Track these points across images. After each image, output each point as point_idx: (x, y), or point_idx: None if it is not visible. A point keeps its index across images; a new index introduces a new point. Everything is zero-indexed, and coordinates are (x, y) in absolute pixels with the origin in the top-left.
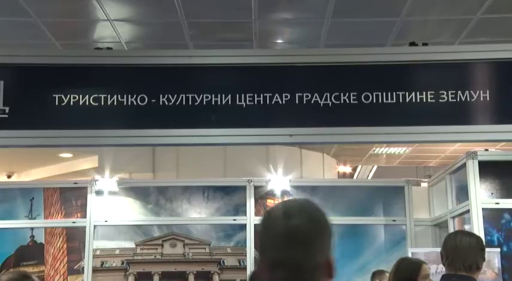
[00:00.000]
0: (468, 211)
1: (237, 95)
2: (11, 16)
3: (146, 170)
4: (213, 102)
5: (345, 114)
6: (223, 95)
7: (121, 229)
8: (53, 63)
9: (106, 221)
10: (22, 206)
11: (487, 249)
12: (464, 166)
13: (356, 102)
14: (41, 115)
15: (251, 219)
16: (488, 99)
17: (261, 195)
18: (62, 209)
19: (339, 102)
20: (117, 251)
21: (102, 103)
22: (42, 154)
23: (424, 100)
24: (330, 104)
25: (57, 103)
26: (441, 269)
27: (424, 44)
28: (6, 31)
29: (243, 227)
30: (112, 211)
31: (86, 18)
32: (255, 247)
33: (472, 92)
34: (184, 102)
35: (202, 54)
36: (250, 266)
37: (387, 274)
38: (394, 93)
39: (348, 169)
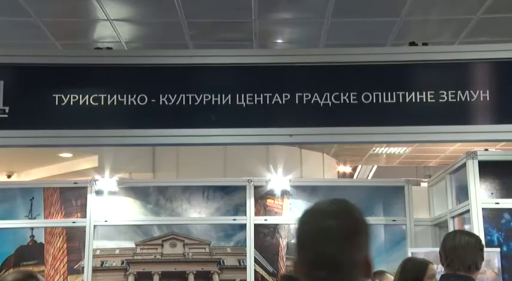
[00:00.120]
0: (468, 211)
1: (237, 95)
2: (11, 16)
3: (146, 170)
4: (213, 102)
5: (345, 114)
6: (223, 95)
7: (121, 229)
8: (52, 63)
9: (106, 221)
10: (22, 206)
11: (487, 249)
12: (464, 165)
13: (356, 102)
14: (41, 115)
15: (251, 219)
16: (488, 99)
17: (261, 195)
18: (61, 209)
19: (338, 102)
20: (117, 251)
21: (102, 103)
22: (42, 153)
23: (424, 100)
24: (330, 104)
25: (57, 103)
26: (441, 269)
27: (424, 44)
28: (6, 31)
29: (243, 227)
30: (112, 211)
31: (86, 18)
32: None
33: (472, 92)
34: (184, 102)
35: (202, 54)
36: (250, 266)
37: (387, 275)
38: (394, 93)
39: (348, 169)
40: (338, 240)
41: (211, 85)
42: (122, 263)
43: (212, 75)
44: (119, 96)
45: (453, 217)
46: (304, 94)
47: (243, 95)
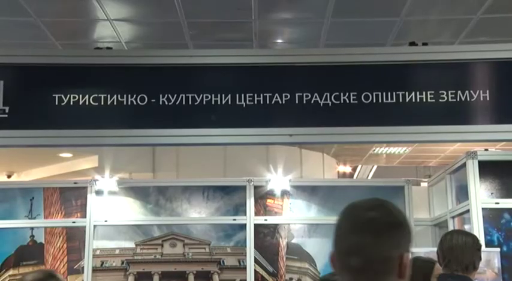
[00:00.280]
0: (468, 211)
1: (237, 95)
2: (10, 16)
3: (146, 170)
4: (213, 102)
5: (345, 114)
6: (223, 95)
7: (121, 229)
8: (52, 63)
9: (106, 221)
10: (22, 206)
11: (487, 249)
12: (464, 165)
13: (356, 102)
14: (41, 115)
15: (251, 219)
16: (488, 99)
17: (261, 195)
18: (61, 209)
19: (338, 102)
20: (117, 251)
21: (102, 103)
22: (42, 153)
23: (424, 100)
24: (330, 104)
25: (57, 103)
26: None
27: (424, 44)
28: (6, 31)
29: (242, 227)
30: (112, 211)
31: (86, 18)
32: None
33: (472, 91)
34: (184, 102)
35: (202, 54)
36: (250, 266)
37: None
38: (394, 93)
39: (347, 169)
40: (371, 232)
41: (211, 85)
42: (122, 263)
43: (212, 75)
44: (118, 96)
45: (453, 217)
46: (304, 94)
47: (243, 95)
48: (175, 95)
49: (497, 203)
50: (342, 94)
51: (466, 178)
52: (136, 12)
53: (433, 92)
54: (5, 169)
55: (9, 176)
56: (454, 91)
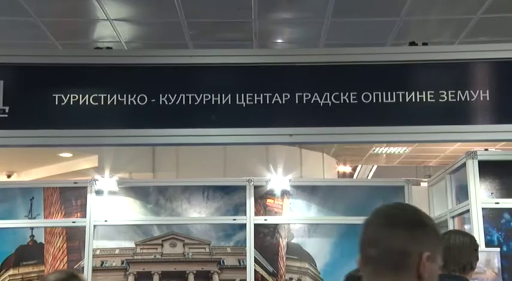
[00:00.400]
0: (468, 211)
1: (237, 95)
2: (10, 16)
3: (146, 170)
4: (212, 102)
5: (345, 114)
6: (223, 95)
7: (121, 229)
8: (52, 63)
9: (106, 220)
10: (22, 206)
11: (486, 249)
12: (464, 165)
13: (356, 102)
14: (41, 115)
15: (251, 219)
16: (488, 99)
17: (261, 195)
18: (61, 208)
19: (338, 102)
20: (117, 251)
21: (102, 103)
22: (42, 153)
23: (424, 100)
24: (330, 104)
25: (57, 103)
26: None
27: (424, 44)
28: (6, 31)
29: (242, 226)
30: (112, 211)
31: (86, 17)
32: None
33: (471, 91)
34: (184, 102)
35: (202, 54)
36: (250, 266)
37: None
38: (394, 93)
39: (347, 169)
40: (390, 225)
41: (211, 85)
42: (122, 263)
43: (212, 75)
44: (118, 96)
45: (453, 217)
46: (304, 94)
47: (243, 95)
48: (175, 95)
49: (497, 203)
50: (341, 94)
51: (466, 178)
52: (136, 12)
53: (433, 92)
54: (5, 169)
55: (9, 176)
56: (454, 91)
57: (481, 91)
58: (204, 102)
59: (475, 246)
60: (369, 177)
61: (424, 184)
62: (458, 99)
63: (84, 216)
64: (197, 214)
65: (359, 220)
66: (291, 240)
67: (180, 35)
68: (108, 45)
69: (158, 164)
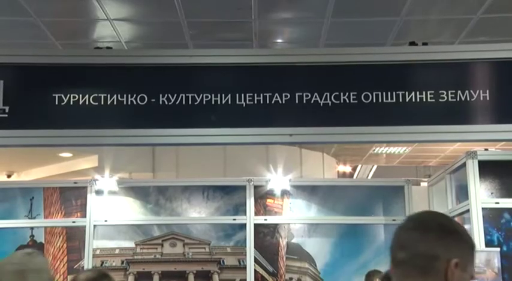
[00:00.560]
0: (468, 211)
1: (237, 95)
2: (10, 15)
3: (146, 169)
4: (212, 102)
5: (345, 113)
6: (223, 95)
7: (121, 229)
8: (52, 62)
9: (106, 220)
10: (22, 206)
11: (486, 249)
12: (464, 165)
13: (356, 102)
14: (41, 115)
15: (251, 219)
16: (488, 99)
17: (261, 195)
18: (61, 208)
19: (338, 102)
20: (117, 251)
21: (102, 103)
22: (42, 153)
23: (424, 100)
24: (330, 104)
25: (57, 103)
26: None
27: (424, 44)
28: (6, 30)
29: (242, 226)
30: (112, 211)
31: (86, 17)
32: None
33: (471, 91)
34: (184, 102)
35: (202, 54)
36: (250, 266)
37: None
38: (394, 93)
39: (347, 169)
40: (421, 229)
41: (211, 85)
42: (122, 263)
43: (212, 75)
44: (118, 96)
45: (453, 217)
46: (304, 94)
47: (243, 95)
48: (175, 95)
49: (497, 203)
50: (341, 94)
51: (466, 178)
52: (136, 12)
53: (433, 92)
54: (5, 169)
55: (9, 176)
56: (454, 91)
57: (481, 91)
58: (204, 102)
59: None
60: (369, 177)
61: (424, 184)
62: (458, 99)
63: (84, 216)
64: (197, 214)
65: (359, 220)
66: (291, 240)
67: (180, 35)
68: (108, 45)
69: (158, 164)
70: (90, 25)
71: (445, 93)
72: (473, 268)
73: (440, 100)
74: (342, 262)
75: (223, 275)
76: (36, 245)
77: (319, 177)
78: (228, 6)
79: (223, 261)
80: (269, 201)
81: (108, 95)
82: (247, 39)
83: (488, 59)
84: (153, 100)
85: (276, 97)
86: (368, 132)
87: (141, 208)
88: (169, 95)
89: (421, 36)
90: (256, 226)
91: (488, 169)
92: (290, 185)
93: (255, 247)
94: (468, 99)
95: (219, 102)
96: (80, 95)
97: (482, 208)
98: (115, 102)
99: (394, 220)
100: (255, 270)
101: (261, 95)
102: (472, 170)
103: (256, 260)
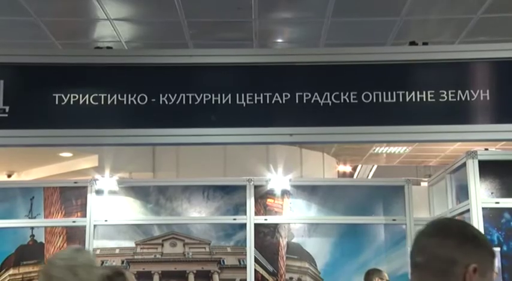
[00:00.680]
0: (468, 210)
1: (237, 95)
2: (10, 15)
3: (146, 169)
4: (213, 102)
5: (345, 113)
6: (223, 95)
7: (121, 229)
8: (52, 62)
9: (106, 220)
10: (22, 206)
11: None
12: (464, 165)
13: (356, 101)
14: (41, 114)
15: (251, 218)
16: (488, 98)
17: (261, 194)
18: (62, 208)
19: (339, 101)
20: (117, 251)
21: (102, 102)
22: (42, 153)
23: (424, 99)
24: (330, 104)
25: (57, 102)
26: None
27: (424, 44)
28: (6, 30)
29: (243, 226)
30: (112, 211)
31: (86, 17)
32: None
33: (472, 91)
34: (184, 102)
35: (202, 54)
36: (250, 266)
37: (384, 273)
38: (394, 92)
39: (348, 169)
40: (440, 234)
41: (211, 85)
42: (122, 262)
43: (212, 75)
44: (119, 95)
45: (453, 217)
46: (304, 94)
47: (243, 95)
48: (176, 95)
49: (498, 202)
50: (342, 94)
51: (466, 178)
52: (136, 12)
53: (433, 91)
54: (5, 169)
55: (9, 176)
56: (454, 91)
57: (481, 91)
58: (204, 102)
59: None
60: (369, 177)
61: (424, 184)
62: (458, 99)
63: (85, 216)
64: (197, 214)
65: (359, 219)
66: (291, 240)
67: (180, 35)
68: (108, 45)
69: (158, 163)
70: (90, 25)
71: (445, 93)
72: (492, 274)
73: (440, 100)
74: (342, 261)
75: (223, 275)
76: (36, 245)
77: (319, 177)
78: (228, 6)
79: (223, 261)
80: (269, 201)
81: (108, 95)
82: (247, 39)
83: (488, 59)
84: (153, 100)
85: (276, 97)
86: (368, 132)
87: (141, 207)
88: (170, 95)
89: (421, 36)
90: (257, 225)
91: (488, 168)
92: (290, 185)
93: (255, 247)
94: (468, 99)
95: (219, 102)
96: (80, 95)
97: (483, 208)
98: (115, 102)
99: (394, 219)
100: (255, 270)
101: (261, 94)
102: (472, 170)
103: (256, 260)
